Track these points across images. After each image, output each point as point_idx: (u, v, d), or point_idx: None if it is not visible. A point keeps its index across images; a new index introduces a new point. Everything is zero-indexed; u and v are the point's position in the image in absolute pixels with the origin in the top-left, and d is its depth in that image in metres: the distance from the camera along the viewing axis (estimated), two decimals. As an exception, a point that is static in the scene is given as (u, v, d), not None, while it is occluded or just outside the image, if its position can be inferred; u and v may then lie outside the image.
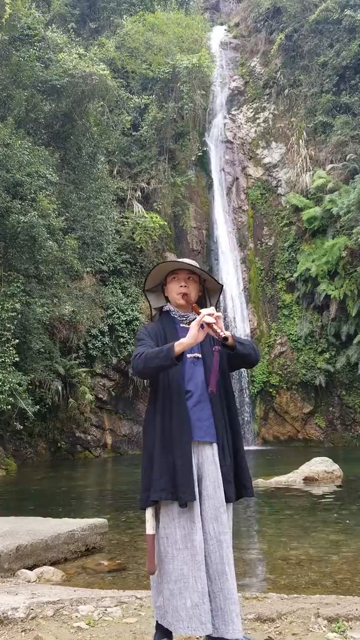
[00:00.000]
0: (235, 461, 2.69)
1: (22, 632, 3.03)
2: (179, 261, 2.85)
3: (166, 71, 21.00)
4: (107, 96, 17.01)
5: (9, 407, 12.95)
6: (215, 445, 2.62)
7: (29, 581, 4.22)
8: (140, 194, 20.88)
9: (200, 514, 2.54)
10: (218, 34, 27.30)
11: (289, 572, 4.57)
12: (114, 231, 18.07)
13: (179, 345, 2.52)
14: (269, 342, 21.68)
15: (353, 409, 20.03)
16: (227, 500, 2.61)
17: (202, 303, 2.90)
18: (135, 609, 3.35)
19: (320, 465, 10.36)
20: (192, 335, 2.54)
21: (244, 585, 4.24)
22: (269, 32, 25.17)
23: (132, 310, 19.60)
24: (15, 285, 13.52)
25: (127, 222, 19.88)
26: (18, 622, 3.14)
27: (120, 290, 19.88)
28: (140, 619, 3.17)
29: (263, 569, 4.85)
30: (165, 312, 2.90)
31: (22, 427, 14.57)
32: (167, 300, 2.92)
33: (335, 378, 20.25)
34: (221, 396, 2.70)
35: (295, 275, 21.23)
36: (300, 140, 22.75)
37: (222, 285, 2.97)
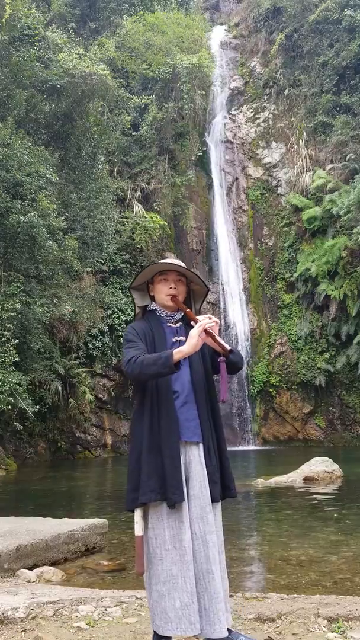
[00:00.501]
0: (220, 462, 2.70)
1: (22, 632, 3.03)
2: (170, 262, 2.85)
3: (166, 71, 21.00)
4: (107, 96, 17.01)
5: (9, 407, 12.95)
6: (201, 446, 2.63)
7: (29, 581, 4.22)
8: (140, 194, 20.88)
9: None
10: (218, 34, 27.30)
11: (289, 572, 4.57)
12: (114, 231, 18.07)
13: (178, 353, 2.53)
14: (269, 342, 21.68)
15: (353, 409, 20.03)
16: (213, 500, 2.61)
17: (186, 305, 2.88)
18: (135, 609, 3.35)
19: (320, 465, 10.36)
20: (192, 345, 2.54)
21: (244, 585, 4.24)
22: (269, 32, 25.17)
23: (132, 310, 19.57)
24: (15, 285, 13.52)
25: (127, 222, 19.88)
26: (18, 622, 3.14)
27: (120, 290, 19.87)
28: (140, 619, 3.17)
29: (263, 569, 4.85)
30: (151, 311, 2.88)
31: (22, 427, 14.57)
32: (152, 299, 2.90)
33: (335, 378, 20.25)
34: (206, 397, 2.72)
35: (295, 275, 21.23)
36: (300, 140, 22.75)
37: (209, 289, 2.96)
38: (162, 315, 2.84)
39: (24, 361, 14.43)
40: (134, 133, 21.03)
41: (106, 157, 18.92)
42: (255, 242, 23.15)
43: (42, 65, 15.38)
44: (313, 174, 21.74)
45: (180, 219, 21.96)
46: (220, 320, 22.40)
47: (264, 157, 23.99)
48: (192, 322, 2.71)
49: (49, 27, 16.78)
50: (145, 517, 2.58)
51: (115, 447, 19.21)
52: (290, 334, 21.31)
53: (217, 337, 2.62)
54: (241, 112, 25.08)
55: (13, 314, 13.07)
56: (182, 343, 2.72)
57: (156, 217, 20.02)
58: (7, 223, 13.15)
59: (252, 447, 20.51)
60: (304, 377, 20.54)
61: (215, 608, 2.46)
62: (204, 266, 22.95)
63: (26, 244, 13.73)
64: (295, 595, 3.62)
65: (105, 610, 3.30)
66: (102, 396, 19.05)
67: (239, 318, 21.95)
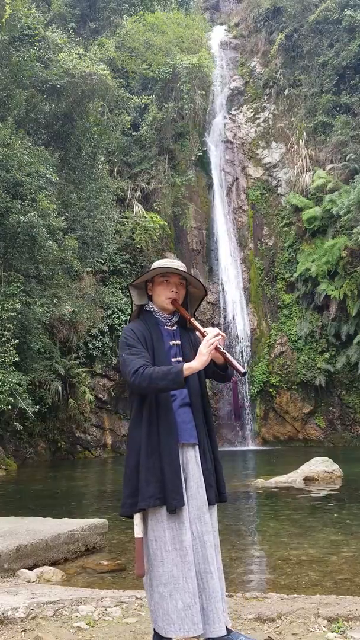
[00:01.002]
0: (214, 466, 2.71)
1: (22, 632, 3.03)
2: (173, 266, 2.80)
3: (166, 71, 21.00)
4: (107, 96, 17.01)
5: (9, 407, 12.95)
6: (197, 447, 2.65)
7: (29, 581, 4.22)
8: (140, 194, 20.88)
9: None
10: (218, 34, 27.29)
11: (289, 572, 4.57)
12: (114, 231, 18.07)
13: (188, 369, 2.53)
14: (269, 342, 21.68)
15: (353, 409, 20.03)
16: (209, 504, 2.62)
17: (182, 307, 2.87)
18: (135, 609, 3.35)
19: (320, 465, 10.36)
20: (203, 362, 2.55)
21: (244, 585, 4.24)
22: (269, 32, 25.17)
23: (130, 305, 19.57)
24: (15, 285, 13.52)
25: (127, 222, 19.88)
26: (18, 622, 3.14)
27: (120, 290, 19.87)
28: (140, 619, 3.17)
29: (263, 569, 4.85)
30: (148, 312, 2.86)
31: (22, 427, 14.57)
32: (149, 298, 2.88)
33: (335, 378, 20.25)
34: (200, 400, 2.73)
35: (295, 275, 21.23)
36: (300, 140, 22.75)
37: (206, 294, 2.95)
38: (159, 318, 2.82)
39: (24, 361, 14.43)
40: (134, 133, 21.03)
41: (106, 157, 18.92)
42: (255, 242, 23.15)
43: (42, 65, 15.37)
44: (313, 174, 21.74)
45: (180, 219, 21.95)
46: (220, 320, 22.46)
47: (264, 157, 23.98)
48: (197, 333, 2.72)
49: (49, 27, 16.77)
50: (144, 520, 2.57)
51: (115, 447, 19.21)
52: (290, 334, 21.31)
53: (229, 357, 2.62)
54: (241, 112, 25.08)
55: (13, 314, 13.07)
56: (178, 347, 2.75)
57: (156, 217, 20.02)
58: (7, 223, 13.15)
59: (252, 447, 20.52)
60: (304, 377, 20.54)
61: (214, 607, 2.47)
62: (204, 266, 22.95)
63: (26, 244, 13.73)
64: (295, 595, 3.62)
65: (105, 610, 3.30)
66: (102, 396, 19.05)
67: (239, 318, 21.95)
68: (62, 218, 14.71)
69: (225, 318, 21.90)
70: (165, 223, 20.35)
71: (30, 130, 15.69)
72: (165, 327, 2.81)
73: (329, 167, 21.51)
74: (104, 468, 15.73)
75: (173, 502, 2.47)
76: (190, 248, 22.76)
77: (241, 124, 24.78)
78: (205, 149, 24.10)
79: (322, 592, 3.92)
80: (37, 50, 15.16)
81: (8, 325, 13.05)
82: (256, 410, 21.33)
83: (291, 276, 21.68)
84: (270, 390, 21.15)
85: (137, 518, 2.55)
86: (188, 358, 2.71)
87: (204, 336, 2.66)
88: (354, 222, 18.85)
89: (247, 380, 21.34)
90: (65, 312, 16.33)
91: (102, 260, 18.74)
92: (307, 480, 9.85)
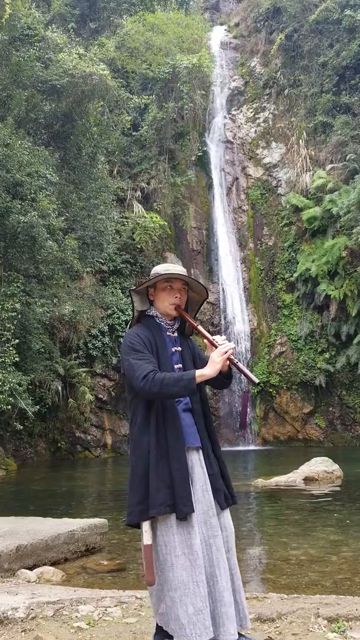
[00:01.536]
0: (220, 469, 2.72)
1: (22, 632, 3.03)
2: (179, 274, 2.78)
3: (166, 71, 20.99)
4: (107, 96, 17.00)
5: (9, 407, 12.95)
6: (201, 451, 2.66)
7: (29, 581, 4.22)
8: (140, 194, 20.88)
9: None
10: (218, 34, 27.28)
11: (289, 572, 4.57)
12: (114, 231, 18.05)
13: (201, 377, 2.55)
14: (269, 342, 21.68)
15: (353, 409, 20.03)
16: (221, 507, 2.63)
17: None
18: (135, 609, 3.35)
19: (320, 465, 10.36)
20: (215, 370, 2.57)
21: (244, 585, 4.22)
22: (269, 32, 25.16)
23: (132, 310, 19.56)
24: (15, 285, 13.51)
25: (127, 222, 19.87)
26: (18, 622, 3.14)
27: (120, 290, 19.87)
28: (140, 619, 3.17)
29: (263, 569, 4.85)
30: (150, 317, 2.84)
31: (22, 427, 14.57)
32: (150, 303, 2.86)
33: (335, 378, 20.24)
34: (201, 404, 2.75)
35: (295, 275, 21.23)
36: (300, 140, 22.74)
37: (206, 299, 2.94)
38: (162, 324, 2.81)
39: (24, 361, 14.43)
40: (134, 133, 21.02)
41: (106, 157, 18.91)
42: (255, 242, 23.15)
43: (42, 65, 15.36)
44: (313, 174, 21.74)
45: (180, 219, 21.95)
46: (220, 320, 22.46)
47: (264, 157, 23.98)
48: (205, 341, 2.72)
49: (49, 27, 16.76)
50: (152, 525, 2.56)
51: (115, 447, 19.21)
52: (290, 334, 21.30)
53: (243, 367, 2.63)
54: (241, 112, 25.08)
55: (13, 314, 13.06)
56: (179, 354, 2.76)
57: (156, 217, 20.01)
58: (7, 223, 13.15)
59: (252, 447, 20.51)
60: (304, 377, 20.54)
61: (220, 611, 2.48)
62: (204, 266, 22.95)
63: (26, 244, 13.72)
64: (295, 595, 3.62)
65: (105, 610, 3.30)
66: (102, 396, 19.05)
67: (239, 318, 21.94)
68: (62, 218, 14.70)
69: (225, 318, 21.90)
70: (165, 223, 20.34)
71: (30, 130, 15.68)
72: (168, 333, 2.81)
73: (329, 167, 21.51)
74: (104, 468, 15.73)
75: (184, 509, 2.47)
76: (190, 248, 22.76)
77: (241, 124, 24.78)
78: (205, 149, 24.10)
79: (322, 592, 3.92)
80: (37, 50, 15.15)
81: (8, 325, 13.05)
82: (256, 410, 21.33)
83: (291, 276, 21.67)
84: (270, 390, 21.15)
85: (146, 525, 2.54)
86: (187, 365, 2.73)
87: (212, 343, 2.67)
88: (354, 222, 18.85)
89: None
90: (65, 312, 16.33)
91: (102, 260, 18.73)
92: (307, 480, 9.85)
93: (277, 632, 2.91)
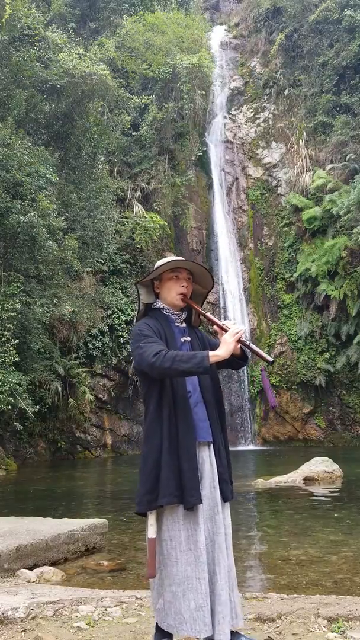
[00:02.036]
0: (226, 461, 2.73)
1: (22, 632, 3.03)
2: (186, 261, 2.80)
3: (166, 71, 20.99)
4: (107, 96, 17.00)
5: (9, 407, 12.95)
6: (212, 446, 2.65)
7: (29, 581, 4.22)
8: (140, 194, 20.88)
9: None
10: (218, 34, 27.29)
11: (289, 572, 4.57)
12: (114, 231, 18.06)
13: (214, 356, 2.53)
14: (269, 342, 21.67)
15: (353, 409, 20.03)
16: (225, 499, 2.64)
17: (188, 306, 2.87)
18: (135, 609, 3.35)
19: (320, 465, 10.36)
20: (229, 350, 2.56)
21: (244, 585, 4.24)
22: (269, 32, 25.16)
23: (132, 310, 19.59)
24: (15, 285, 13.52)
25: (127, 222, 19.87)
26: (18, 622, 3.14)
27: (120, 290, 19.87)
28: (140, 619, 3.17)
29: (263, 569, 4.85)
30: (156, 310, 2.84)
31: (22, 427, 14.58)
32: (156, 296, 2.87)
33: (335, 378, 20.24)
34: (214, 397, 2.74)
35: (295, 275, 21.23)
36: (300, 140, 22.74)
37: (211, 288, 2.94)
38: (169, 315, 2.82)
39: (24, 361, 14.43)
40: (134, 133, 21.03)
41: (106, 157, 18.91)
42: (255, 242, 23.15)
43: (42, 65, 15.37)
44: (313, 174, 21.74)
45: (180, 219, 21.95)
46: (220, 320, 22.40)
47: (264, 157, 23.98)
48: (215, 327, 2.73)
49: (49, 27, 16.76)
50: (158, 520, 2.57)
51: (115, 447, 19.21)
52: (290, 334, 21.30)
53: (255, 348, 2.63)
54: (241, 112, 25.08)
55: (13, 314, 13.07)
56: (189, 343, 2.76)
57: (156, 217, 20.01)
58: (7, 223, 13.15)
59: (252, 447, 20.51)
60: (304, 377, 20.54)
61: (216, 610, 2.48)
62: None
63: (26, 244, 13.73)
64: (295, 595, 3.62)
65: (105, 610, 3.30)
66: (102, 396, 19.05)
67: (239, 318, 21.93)
68: (62, 218, 14.70)
69: (225, 318, 21.89)
70: (165, 223, 20.34)
71: (30, 130, 15.68)
72: (176, 324, 2.81)
73: (329, 167, 21.51)
74: (104, 468, 15.73)
75: (191, 500, 2.48)
76: (190, 248, 22.76)
77: (241, 124, 24.78)
78: (205, 149, 24.10)
79: (322, 592, 3.92)
80: (37, 50, 15.15)
81: (8, 325, 13.05)
82: (256, 410, 21.33)
83: (291, 276, 21.67)
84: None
85: (152, 518, 2.55)
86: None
87: (222, 328, 2.67)
88: (354, 222, 18.85)
89: (247, 380, 21.35)
90: (65, 312, 16.33)
91: (102, 260, 18.74)
92: (307, 480, 9.85)
93: (277, 632, 2.91)
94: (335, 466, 10.40)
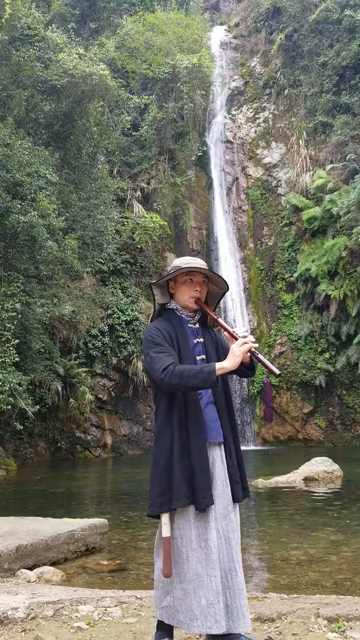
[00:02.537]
0: (238, 462, 2.74)
1: (22, 632, 3.03)
2: (200, 267, 2.80)
3: (166, 71, 20.98)
4: (107, 96, 16.99)
5: (9, 407, 12.94)
6: (223, 446, 2.68)
7: (29, 581, 4.22)
8: (140, 194, 20.87)
9: None
10: (218, 34, 27.29)
11: (289, 572, 4.57)
12: (114, 231, 18.04)
13: (221, 370, 2.54)
14: (269, 342, 21.68)
15: (353, 409, 20.03)
16: (236, 500, 2.67)
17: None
18: (135, 609, 3.35)
19: (320, 465, 10.36)
20: (235, 363, 2.56)
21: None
22: (269, 32, 25.16)
23: (132, 310, 19.59)
24: (15, 285, 13.51)
25: (127, 222, 19.87)
26: (18, 622, 3.14)
27: (120, 290, 19.87)
28: (140, 619, 3.17)
29: (263, 569, 4.85)
30: (170, 310, 2.86)
31: (22, 427, 14.56)
32: (171, 297, 2.88)
33: (335, 378, 20.24)
34: (224, 397, 2.76)
35: (295, 275, 21.23)
36: (300, 140, 22.74)
37: (227, 290, 2.94)
38: (182, 316, 2.83)
39: (24, 361, 14.42)
40: (134, 133, 21.02)
41: (106, 157, 18.91)
42: (255, 242, 23.15)
43: (42, 65, 15.36)
44: (313, 174, 21.73)
45: (180, 219, 21.94)
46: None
47: (264, 157, 23.98)
48: (225, 333, 2.74)
49: (49, 27, 16.75)
50: (171, 518, 2.59)
51: (115, 447, 19.21)
52: (290, 334, 21.30)
53: (264, 359, 2.63)
54: (241, 112, 25.08)
55: (13, 314, 13.06)
56: (202, 345, 2.77)
57: (156, 217, 20.01)
58: (7, 223, 13.14)
59: (252, 447, 20.51)
60: (304, 377, 20.54)
61: (238, 604, 2.53)
62: (204, 266, 22.92)
63: (26, 244, 13.72)
64: (295, 595, 3.62)
65: (105, 610, 3.30)
66: (102, 396, 19.05)
67: (239, 318, 21.94)
68: (62, 218, 14.69)
69: (225, 318, 21.89)
70: (165, 223, 20.33)
71: (30, 130, 15.67)
72: (189, 325, 2.82)
73: (329, 167, 21.51)
74: (104, 468, 15.73)
75: (203, 501, 2.50)
76: (190, 248, 22.75)
77: (241, 124, 24.78)
78: (205, 148, 24.10)
79: (322, 592, 3.92)
80: (37, 50, 15.14)
81: (8, 325, 13.04)
82: (256, 410, 21.33)
83: (291, 276, 21.67)
84: (271, 390, 21.13)
85: (165, 517, 2.57)
86: (211, 356, 2.74)
87: (232, 336, 2.68)
88: (354, 222, 18.85)
89: (247, 380, 21.34)
90: (65, 312, 16.32)
91: (102, 260, 18.73)
92: (307, 480, 9.85)
93: (277, 632, 2.91)
94: (335, 466, 10.40)
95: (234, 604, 2.53)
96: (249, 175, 23.97)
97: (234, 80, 25.71)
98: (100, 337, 18.81)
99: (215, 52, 25.88)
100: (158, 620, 2.65)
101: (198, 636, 2.81)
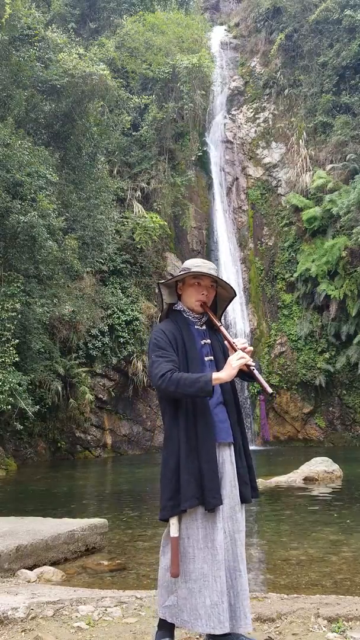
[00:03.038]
0: (247, 463, 2.76)
1: (22, 632, 3.03)
2: (207, 273, 2.80)
3: (166, 71, 20.98)
4: (107, 96, 17.00)
5: (9, 407, 12.95)
6: (232, 446, 2.69)
7: (29, 581, 4.22)
8: (140, 194, 20.87)
9: None
10: (218, 34, 27.28)
11: (289, 572, 4.57)
12: (114, 231, 18.05)
13: (217, 380, 2.56)
14: (269, 342, 21.68)
15: (353, 409, 20.03)
16: (244, 501, 2.69)
17: (212, 308, 2.90)
18: (135, 609, 3.34)
19: (320, 465, 10.36)
20: (231, 375, 2.60)
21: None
22: (269, 32, 25.15)
23: (132, 310, 19.59)
24: (15, 285, 13.51)
25: (127, 222, 19.87)
26: (18, 622, 3.14)
27: (120, 290, 19.87)
28: (140, 619, 3.17)
29: (263, 569, 4.85)
30: (178, 312, 2.87)
31: (22, 427, 14.56)
32: (179, 297, 2.90)
33: (335, 378, 20.24)
34: (233, 398, 2.78)
35: (295, 275, 21.23)
36: (300, 140, 22.74)
37: (235, 296, 2.96)
38: (189, 317, 2.85)
39: (24, 361, 14.42)
40: (134, 133, 21.02)
41: (106, 157, 18.91)
42: (255, 242, 23.15)
43: (42, 65, 15.36)
44: (313, 174, 21.73)
45: (180, 219, 21.94)
46: (221, 320, 22.41)
47: (264, 157, 23.98)
48: (226, 342, 2.77)
49: (49, 27, 16.76)
50: (178, 518, 2.60)
51: (115, 447, 19.21)
52: (290, 334, 21.30)
53: (259, 376, 2.66)
54: (241, 112, 25.07)
55: (13, 314, 13.06)
56: (209, 346, 2.79)
57: (156, 217, 20.01)
58: (7, 223, 13.15)
59: (252, 447, 20.48)
60: (304, 377, 20.54)
61: (241, 605, 2.55)
62: (204, 266, 22.91)
63: (26, 244, 13.72)
64: (295, 595, 3.62)
65: (105, 610, 3.30)
66: (102, 396, 19.05)
67: (239, 318, 21.94)
68: (62, 218, 14.69)
69: (225, 318, 21.89)
70: (165, 223, 20.34)
71: (30, 130, 15.67)
72: (196, 326, 2.84)
73: (329, 167, 21.51)
74: (104, 468, 15.73)
75: (212, 501, 2.51)
76: (190, 248, 22.75)
77: (241, 124, 24.78)
78: (205, 148, 24.10)
79: (322, 592, 3.92)
80: (37, 50, 15.15)
81: (8, 325, 13.04)
82: (256, 410, 21.33)
83: (291, 276, 21.67)
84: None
85: (174, 518, 2.58)
86: (218, 357, 2.76)
87: (232, 346, 2.71)
88: (354, 222, 18.85)
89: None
90: (65, 312, 16.33)
91: (102, 260, 18.73)
92: (307, 480, 9.85)
93: (277, 632, 2.91)
94: (335, 466, 10.40)
95: (237, 604, 2.54)
96: (249, 175, 23.97)
97: (234, 80, 25.70)
98: (100, 337, 18.81)
99: (215, 52, 25.87)
100: (160, 619, 2.65)
101: (198, 636, 2.81)
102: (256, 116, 24.70)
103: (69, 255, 14.77)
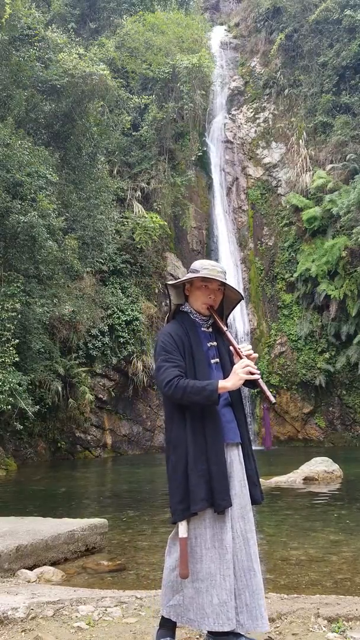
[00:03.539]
0: (254, 464, 2.78)
1: (22, 632, 3.03)
2: (215, 278, 2.79)
3: (166, 71, 20.98)
4: (107, 96, 17.00)
5: (9, 407, 12.94)
6: (240, 446, 2.71)
7: (29, 581, 4.22)
8: (140, 194, 20.87)
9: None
10: (218, 34, 27.28)
11: (289, 572, 4.57)
12: (114, 231, 18.05)
13: (223, 388, 2.57)
14: (269, 342, 21.68)
15: (353, 409, 20.03)
16: (254, 502, 2.70)
17: (218, 310, 2.91)
18: (135, 609, 3.35)
19: (320, 465, 10.36)
20: (237, 385, 2.60)
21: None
22: (269, 32, 25.15)
23: (132, 310, 19.59)
24: (15, 285, 13.51)
25: (127, 222, 19.86)
26: (18, 622, 3.14)
27: (120, 290, 19.87)
28: (140, 619, 3.17)
29: (263, 569, 4.83)
30: (185, 313, 2.87)
31: (22, 427, 14.56)
32: (186, 298, 2.90)
33: (335, 378, 20.24)
34: (239, 399, 2.81)
35: (295, 275, 21.23)
36: (300, 140, 22.74)
37: (242, 299, 2.97)
38: (196, 319, 2.85)
39: (24, 361, 14.42)
40: (134, 133, 21.02)
41: (106, 157, 18.91)
42: (255, 242, 23.15)
43: (42, 65, 15.36)
44: (313, 174, 21.73)
45: (180, 219, 21.94)
46: (227, 323, 22.38)
47: (264, 157, 23.98)
48: (231, 348, 2.76)
49: (49, 27, 16.76)
50: (187, 519, 2.61)
51: (115, 447, 19.21)
52: (290, 334, 21.30)
53: (263, 385, 2.66)
54: (241, 112, 25.07)
55: (13, 314, 13.06)
56: (215, 348, 2.79)
57: (156, 217, 20.01)
58: (7, 223, 13.15)
59: (252, 447, 20.49)
60: (304, 377, 20.54)
61: (257, 604, 2.55)
62: (204, 266, 22.91)
63: (26, 244, 13.72)
64: (295, 595, 3.62)
65: (105, 610, 3.30)
66: (102, 396, 19.05)
67: (239, 318, 21.93)
68: (62, 218, 14.69)
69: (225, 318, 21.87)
70: (165, 223, 20.33)
71: (30, 130, 15.67)
72: (202, 328, 2.84)
73: (329, 167, 21.50)
74: (104, 468, 15.73)
75: (222, 504, 2.52)
76: (190, 248, 22.75)
77: (241, 124, 24.78)
78: (205, 149, 24.09)
79: (322, 592, 3.92)
80: (37, 50, 15.15)
81: (8, 325, 13.04)
82: (256, 410, 21.33)
83: (291, 276, 21.67)
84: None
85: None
86: (224, 359, 2.77)
87: (237, 352, 2.71)
88: (354, 222, 18.85)
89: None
90: (65, 312, 16.32)
91: (102, 260, 18.73)
92: (307, 480, 9.85)
93: (277, 632, 2.91)
94: (335, 466, 10.40)
95: (253, 603, 2.55)
96: (249, 175, 23.97)
97: (234, 80, 25.70)
98: (100, 337, 18.81)
99: (215, 52, 25.87)
100: (162, 618, 2.65)
101: (198, 636, 2.81)
102: (256, 116, 24.71)
103: (69, 255, 14.77)
